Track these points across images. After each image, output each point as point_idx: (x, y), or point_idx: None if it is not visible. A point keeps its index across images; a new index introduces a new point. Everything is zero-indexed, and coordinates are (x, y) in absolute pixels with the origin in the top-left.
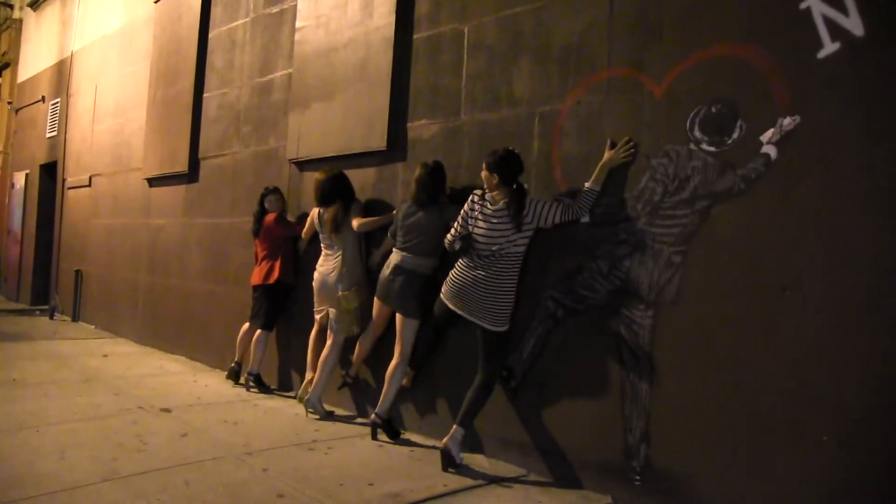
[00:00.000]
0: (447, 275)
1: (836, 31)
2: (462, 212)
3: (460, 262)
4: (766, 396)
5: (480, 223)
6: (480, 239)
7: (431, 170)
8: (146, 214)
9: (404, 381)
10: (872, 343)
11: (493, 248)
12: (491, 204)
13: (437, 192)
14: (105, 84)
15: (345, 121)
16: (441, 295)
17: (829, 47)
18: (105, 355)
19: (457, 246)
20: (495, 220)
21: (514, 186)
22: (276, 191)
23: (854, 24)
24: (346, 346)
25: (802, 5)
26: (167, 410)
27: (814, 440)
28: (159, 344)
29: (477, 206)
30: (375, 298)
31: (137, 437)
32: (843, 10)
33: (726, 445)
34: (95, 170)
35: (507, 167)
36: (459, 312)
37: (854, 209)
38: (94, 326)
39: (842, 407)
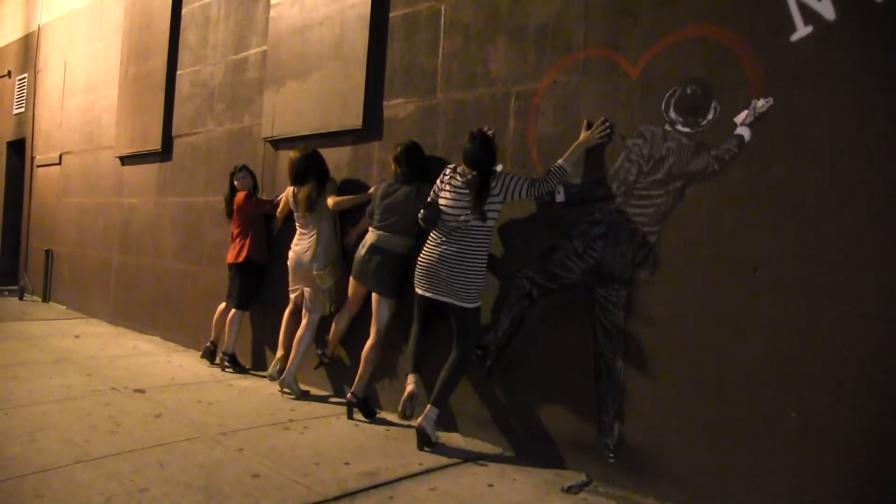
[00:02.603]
0: (417, 255)
1: (808, 14)
2: (434, 185)
3: (428, 241)
4: (737, 374)
5: (446, 194)
6: (448, 210)
7: (408, 147)
8: (118, 193)
9: (410, 387)
10: (842, 322)
11: (461, 219)
12: (461, 176)
13: (417, 170)
14: (74, 59)
15: (320, 99)
16: (415, 287)
17: (802, 30)
18: (77, 336)
19: (422, 215)
20: (463, 191)
21: (480, 180)
22: (243, 168)
23: (825, 7)
24: (322, 326)
25: None
26: (141, 391)
27: (783, 417)
28: (132, 324)
29: (446, 178)
30: (351, 278)
31: (110, 419)
32: None
33: (699, 423)
34: (66, 147)
35: (479, 157)
36: (430, 295)
37: (825, 190)
38: (65, 307)
39: (811, 384)
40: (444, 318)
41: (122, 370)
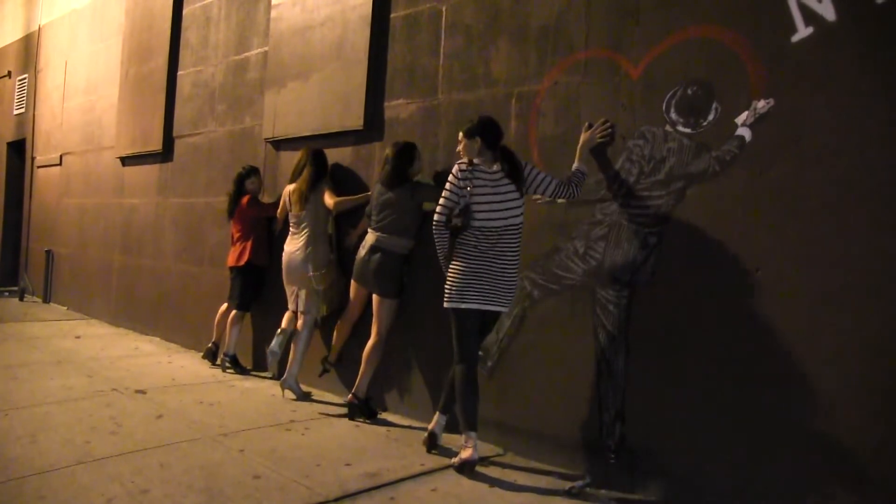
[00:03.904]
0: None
1: (809, 15)
2: (449, 186)
3: (469, 250)
4: (739, 374)
5: (485, 197)
6: (485, 210)
7: (398, 149)
8: (119, 194)
9: (467, 452)
10: (843, 322)
11: (507, 219)
12: (487, 171)
13: (405, 171)
14: (75, 60)
15: (321, 100)
16: (459, 303)
17: (803, 32)
18: (77, 337)
19: (457, 222)
20: (501, 187)
21: (501, 147)
22: (255, 171)
23: (826, 9)
24: (326, 331)
25: None
26: (142, 392)
27: (784, 417)
28: (133, 325)
29: (468, 177)
30: (352, 280)
31: (111, 420)
32: None
33: (700, 423)
34: (66, 148)
35: (490, 130)
36: (486, 307)
37: (826, 190)
38: (65, 308)
39: (812, 385)
40: (438, 312)
41: (123, 371)
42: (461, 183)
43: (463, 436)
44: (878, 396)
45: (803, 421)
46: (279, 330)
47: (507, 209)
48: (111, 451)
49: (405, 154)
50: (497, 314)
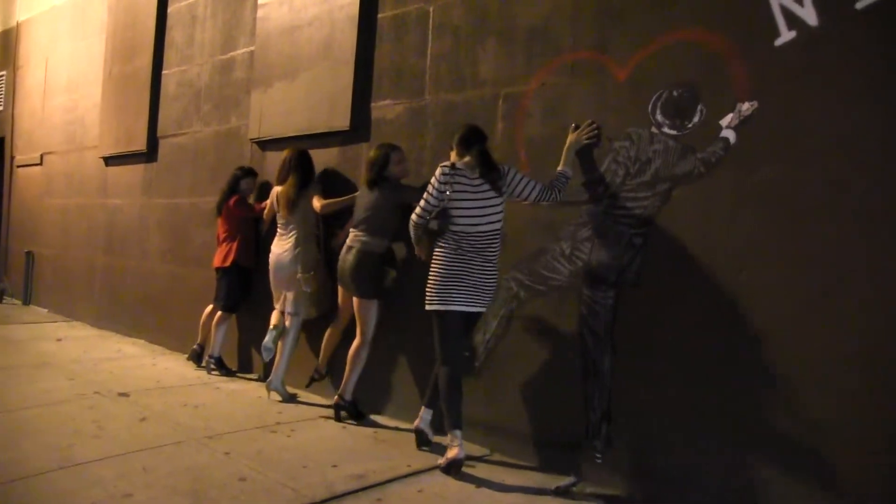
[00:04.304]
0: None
1: (792, 19)
2: (431, 188)
3: (448, 253)
4: (723, 375)
5: (465, 202)
6: (465, 216)
7: (378, 149)
8: (103, 194)
9: (453, 451)
10: (829, 323)
11: (484, 222)
12: (468, 175)
13: (381, 172)
14: (56, 58)
15: (308, 100)
16: (445, 304)
17: (786, 35)
18: (59, 339)
19: (433, 225)
20: (482, 192)
21: (479, 150)
22: (252, 173)
23: (808, 13)
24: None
25: None
26: (125, 395)
27: (768, 417)
28: (117, 327)
29: (449, 181)
30: (338, 284)
31: (94, 423)
32: (799, 0)
33: (686, 423)
34: (47, 147)
35: (467, 137)
36: (469, 309)
37: (811, 192)
38: (46, 310)
39: (797, 385)
40: (422, 314)
41: (106, 374)
42: (441, 186)
43: (448, 435)
44: (864, 397)
45: (787, 422)
46: (271, 325)
47: (486, 215)
48: (94, 456)
49: (384, 155)
50: (479, 315)
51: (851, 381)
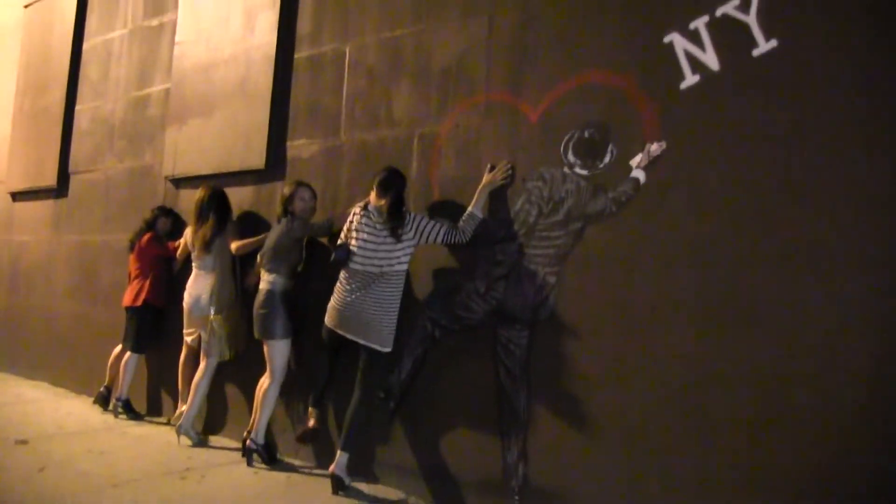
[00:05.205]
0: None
1: (695, 64)
2: (346, 225)
3: (339, 286)
4: (638, 412)
5: (363, 235)
6: (360, 252)
7: (287, 185)
8: (8, 230)
9: (311, 422)
10: (742, 351)
11: (375, 263)
12: (376, 213)
13: (285, 208)
14: None
15: (223, 138)
16: (326, 322)
17: (690, 79)
18: None
19: (333, 259)
20: (379, 234)
21: (392, 197)
22: (172, 213)
23: (710, 59)
24: (224, 373)
25: (666, 39)
26: (23, 442)
27: (687, 451)
28: (17, 370)
29: (357, 218)
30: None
31: None
32: (701, 46)
33: (601, 462)
34: None
35: (385, 181)
36: (341, 332)
37: (718, 231)
38: None
39: (716, 418)
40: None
41: (2, 419)
42: (347, 223)
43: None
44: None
45: (714, 455)
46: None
47: (377, 257)
48: None
49: (289, 191)
50: (373, 352)
51: (784, 409)
